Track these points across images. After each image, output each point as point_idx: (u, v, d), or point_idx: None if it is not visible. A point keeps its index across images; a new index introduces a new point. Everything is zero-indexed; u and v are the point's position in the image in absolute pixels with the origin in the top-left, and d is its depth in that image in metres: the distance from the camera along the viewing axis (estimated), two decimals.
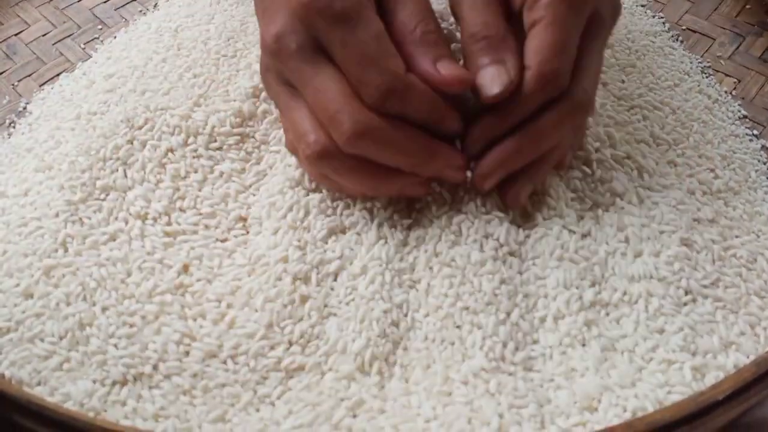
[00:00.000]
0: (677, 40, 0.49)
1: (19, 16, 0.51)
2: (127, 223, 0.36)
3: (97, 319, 0.32)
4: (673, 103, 0.43)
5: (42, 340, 0.32)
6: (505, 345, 0.31)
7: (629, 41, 0.47)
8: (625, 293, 0.33)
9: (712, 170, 0.39)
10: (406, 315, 0.33)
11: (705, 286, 0.34)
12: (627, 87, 0.43)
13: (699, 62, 0.47)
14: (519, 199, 0.34)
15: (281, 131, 0.39)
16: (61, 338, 0.32)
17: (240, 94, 0.40)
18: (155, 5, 0.52)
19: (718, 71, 0.47)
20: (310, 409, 0.30)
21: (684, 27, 0.50)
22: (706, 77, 0.46)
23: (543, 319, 0.33)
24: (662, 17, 0.51)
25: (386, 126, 0.31)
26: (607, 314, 0.33)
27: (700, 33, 0.50)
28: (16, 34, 0.50)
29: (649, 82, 0.44)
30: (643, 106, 0.42)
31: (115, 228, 0.35)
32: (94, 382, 0.31)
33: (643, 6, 0.52)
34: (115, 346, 0.31)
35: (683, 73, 0.46)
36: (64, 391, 0.30)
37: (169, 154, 0.38)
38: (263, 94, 0.40)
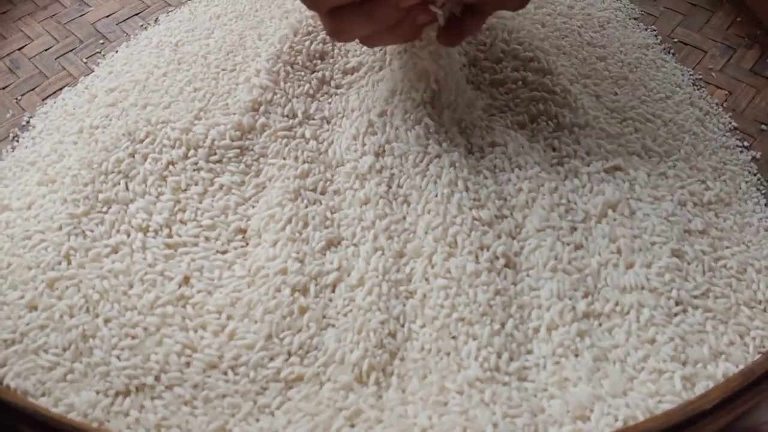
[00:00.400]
0: (669, 52, 0.50)
1: (22, 30, 0.52)
2: (128, 235, 0.36)
3: (100, 330, 0.33)
4: (665, 115, 0.44)
5: (46, 351, 0.32)
6: (499, 355, 0.32)
7: (622, 54, 0.48)
8: (617, 304, 0.34)
9: (703, 182, 0.40)
10: (402, 326, 0.34)
11: (695, 297, 0.34)
12: (620, 99, 0.44)
13: (691, 74, 0.48)
14: (462, 36, 0.37)
15: (279, 144, 0.40)
16: (64, 350, 0.32)
17: (239, 108, 0.41)
18: (156, 20, 0.53)
19: (709, 83, 0.48)
20: (309, 419, 0.31)
21: (676, 40, 0.51)
22: (698, 89, 0.47)
23: (537, 330, 0.33)
24: (654, 30, 0.52)
25: (340, 23, 0.35)
26: (600, 325, 0.34)
27: (691, 45, 0.50)
28: (19, 49, 0.51)
29: (641, 95, 0.45)
30: (635, 118, 0.43)
31: (117, 240, 0.36)
32: (98, 393, 0.31)
33: (635, 19, 0.52)
34: (118, 357, 0.32)
35: (675, 86, 0.46)
36: (67, 401, 0.31)
37: (170, 167, 0.39)
38: (262, 108, 0.41)
